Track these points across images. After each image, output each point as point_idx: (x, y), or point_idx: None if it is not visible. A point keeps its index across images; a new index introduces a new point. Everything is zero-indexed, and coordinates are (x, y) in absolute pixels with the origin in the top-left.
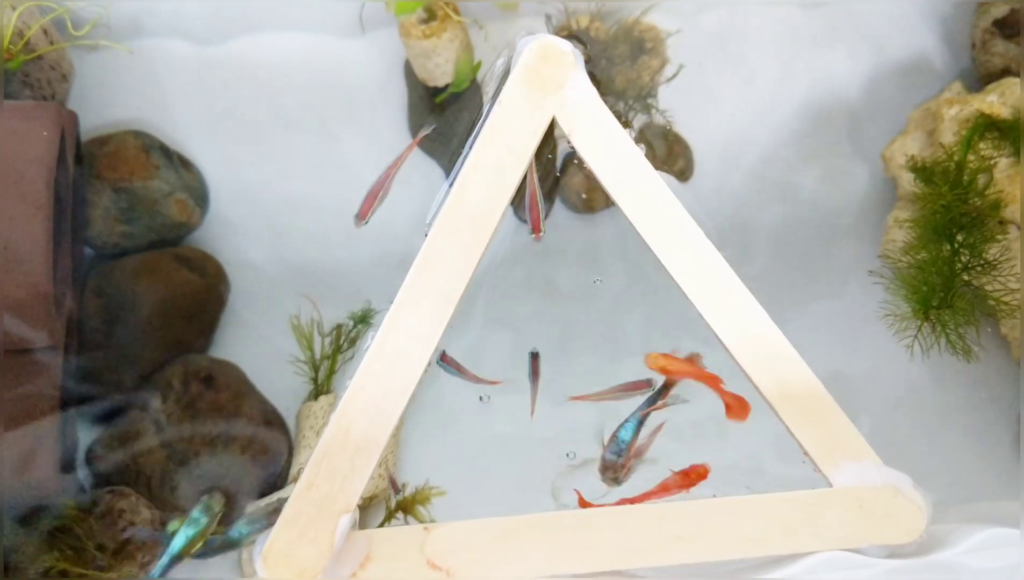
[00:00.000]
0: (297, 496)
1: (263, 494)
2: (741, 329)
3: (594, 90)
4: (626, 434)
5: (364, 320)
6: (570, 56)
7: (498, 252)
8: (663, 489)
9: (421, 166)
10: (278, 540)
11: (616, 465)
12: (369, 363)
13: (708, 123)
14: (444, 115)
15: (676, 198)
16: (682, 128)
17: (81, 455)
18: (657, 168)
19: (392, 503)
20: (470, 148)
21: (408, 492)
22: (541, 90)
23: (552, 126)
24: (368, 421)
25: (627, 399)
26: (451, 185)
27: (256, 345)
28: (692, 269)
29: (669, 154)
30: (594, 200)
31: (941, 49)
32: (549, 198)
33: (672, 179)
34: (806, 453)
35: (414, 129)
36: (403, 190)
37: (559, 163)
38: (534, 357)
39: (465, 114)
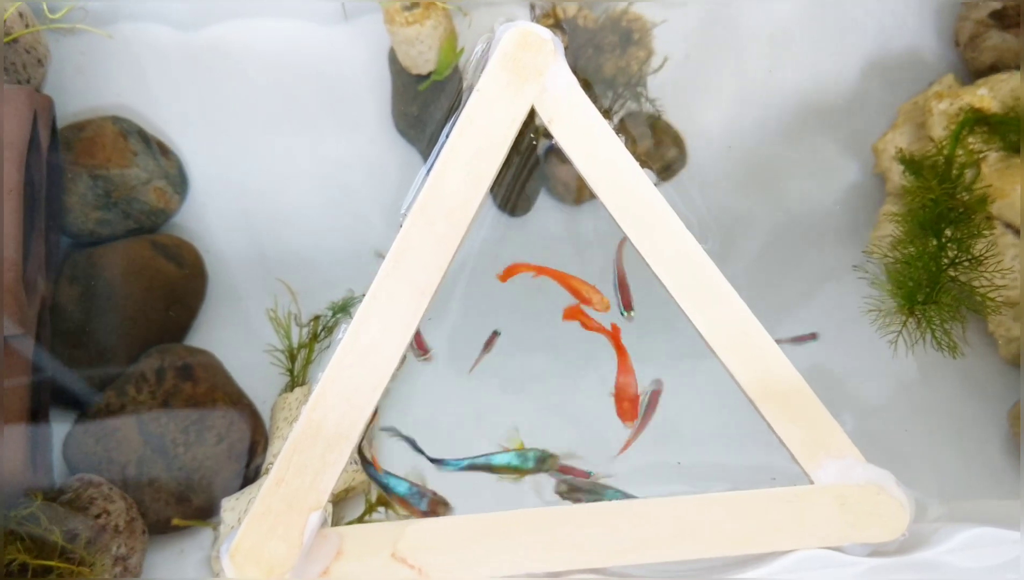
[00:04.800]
0: (266, 492)
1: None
2: (722, 324)
3: (574, 78)
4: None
5: (344, 309)
6: (550, 44)
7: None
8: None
9: (397, 152)
10: (246, 537)
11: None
12: (341, 356)
13: (694, 115)
14: (425, 99)
15: (656, 189)
16: (670, 118)
17: (54, 445)
18: (643, 159)
19: (373, 496)
20: (447, 136)
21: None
22: (520, 78)
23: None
24: (340, 415)
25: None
26: (428, 173)
27: (233, 334)
28: (672, 262)
29: (658, 144)
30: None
31: (931, 43)
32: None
33: (652, 175)
34: (788, 450)
35: (397, 117)
36: (379, 177)
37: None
38: (494, 334)
39: (444, 100)
